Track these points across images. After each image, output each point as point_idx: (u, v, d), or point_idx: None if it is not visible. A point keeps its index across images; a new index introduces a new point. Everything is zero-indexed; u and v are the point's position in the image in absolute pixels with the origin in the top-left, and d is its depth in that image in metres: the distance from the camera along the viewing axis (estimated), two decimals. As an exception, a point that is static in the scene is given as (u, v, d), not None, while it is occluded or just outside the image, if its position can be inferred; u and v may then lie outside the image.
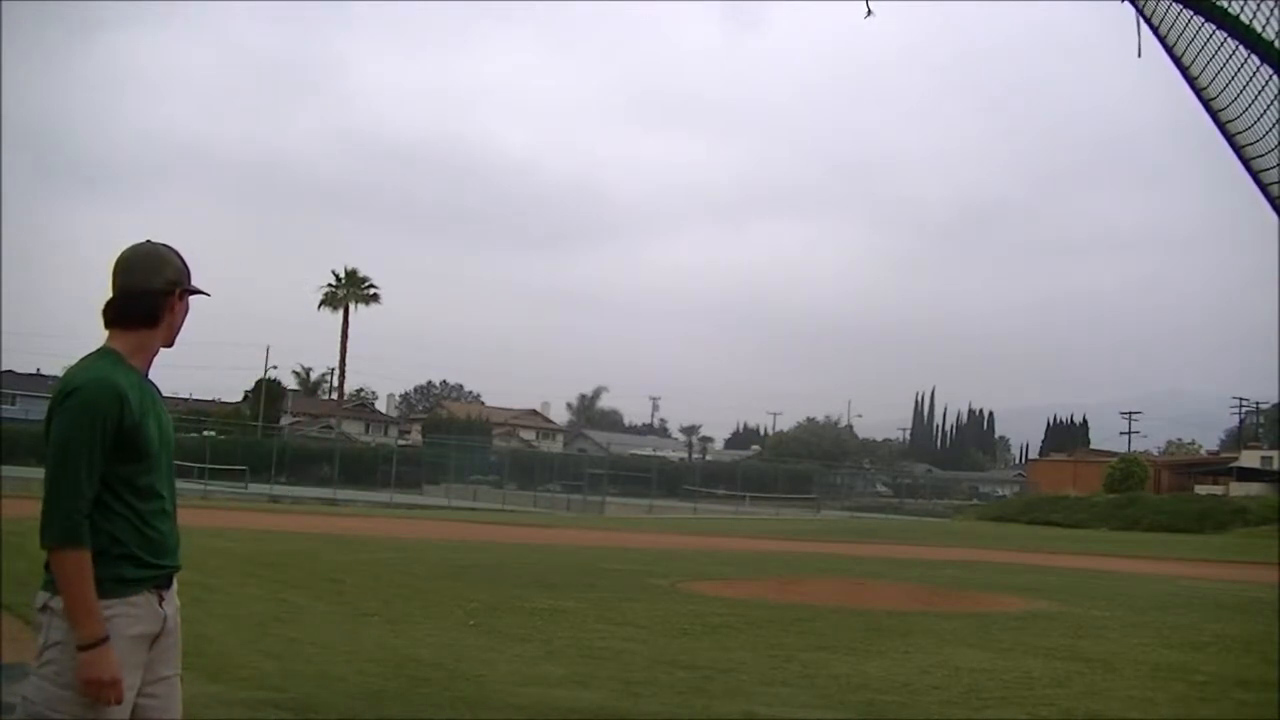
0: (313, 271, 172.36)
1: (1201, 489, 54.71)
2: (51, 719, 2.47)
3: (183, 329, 2.83)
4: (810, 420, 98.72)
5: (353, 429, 74.14)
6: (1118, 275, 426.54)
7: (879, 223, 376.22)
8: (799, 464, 69.24)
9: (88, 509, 2.50)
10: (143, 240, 2.78)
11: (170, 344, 2.79)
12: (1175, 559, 25.57)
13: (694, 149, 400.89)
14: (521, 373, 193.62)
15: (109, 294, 2.72)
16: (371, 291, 60.10)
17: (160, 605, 2.67)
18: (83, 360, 2.67)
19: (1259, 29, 3.59)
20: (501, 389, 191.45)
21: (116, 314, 2.69)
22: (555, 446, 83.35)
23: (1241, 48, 3.73)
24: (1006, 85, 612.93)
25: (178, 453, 2.99)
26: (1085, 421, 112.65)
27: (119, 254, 2.74)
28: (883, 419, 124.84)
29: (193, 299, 2.84)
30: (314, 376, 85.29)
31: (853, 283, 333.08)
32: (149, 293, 2.68)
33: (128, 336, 2.69)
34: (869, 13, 4.39)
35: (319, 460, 52.58)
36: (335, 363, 63.51)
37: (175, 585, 2.77)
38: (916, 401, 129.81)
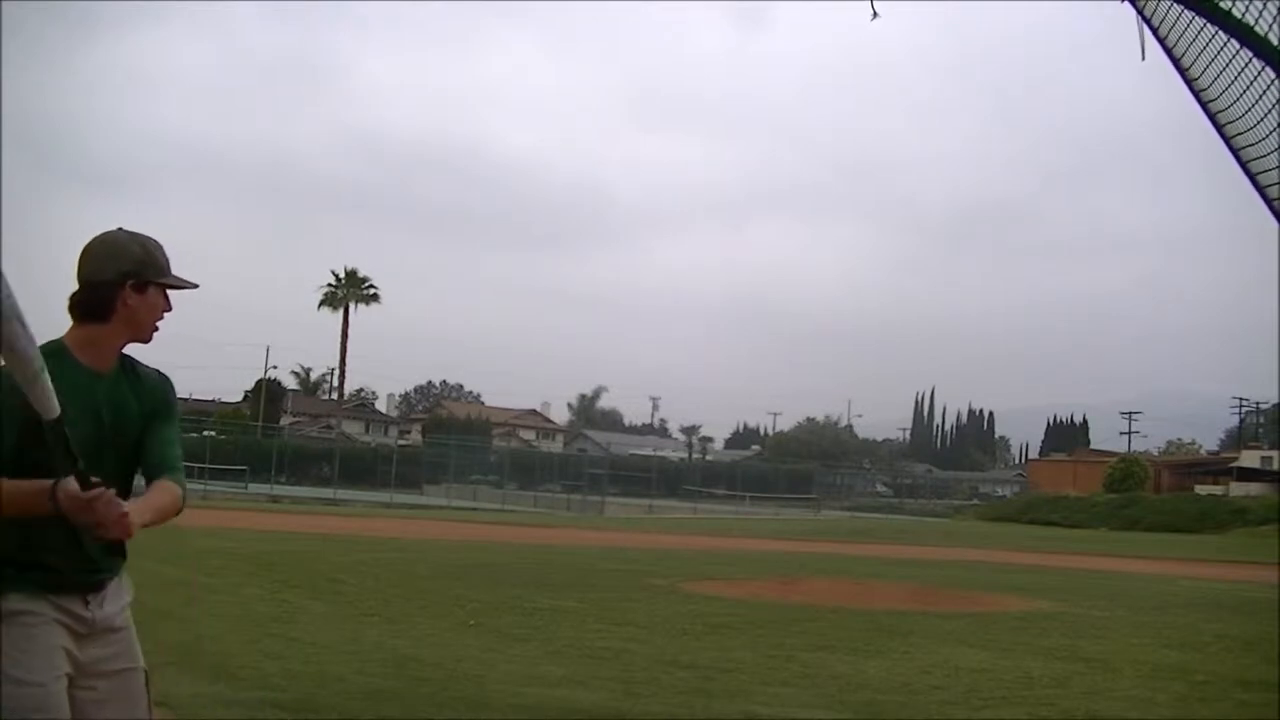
0: (313, 271, 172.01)
1: (1201, 489, 54.66)
2: None
3: (168, 325, 2.61)
4: (810, 420, 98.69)
5: (353, 429, 74.08)
6: (1118, 275, 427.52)
7: (880, 222, 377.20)
8: (799, 464, 69.22)
9: None
10: (113, 228, 2.58)
11: (142, 339, 2.59)
12: (1175, 559, 25.57)
13: (695, 149, 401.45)
14: (521, 373, 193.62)
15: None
16: (371, 291, 60.18)
17: (85, 608, 2.47)
18: None
19: (1263, 32, 3.59)
20: (501, 389, 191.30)
21: (70, 305, 2.53)
22: (555, 446, 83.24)
23: (1244, 49, 3.72)
24: (1007, 85, 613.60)
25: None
26: (1085, 421, 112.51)
27: None
28: (883, 419, 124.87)
29: (184, 293, 2.63)
30: (314, 376, 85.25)
31: (853, 283, 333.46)
32: (100, 284, 2.49)
33: (77, 330, 2.52)
34: (874, 15, 4.34)
35: (319, 460, 52.57)
36: (335, 363, 63.69)
37: (124, 583, 2.59)
38: (916, 401, 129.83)
